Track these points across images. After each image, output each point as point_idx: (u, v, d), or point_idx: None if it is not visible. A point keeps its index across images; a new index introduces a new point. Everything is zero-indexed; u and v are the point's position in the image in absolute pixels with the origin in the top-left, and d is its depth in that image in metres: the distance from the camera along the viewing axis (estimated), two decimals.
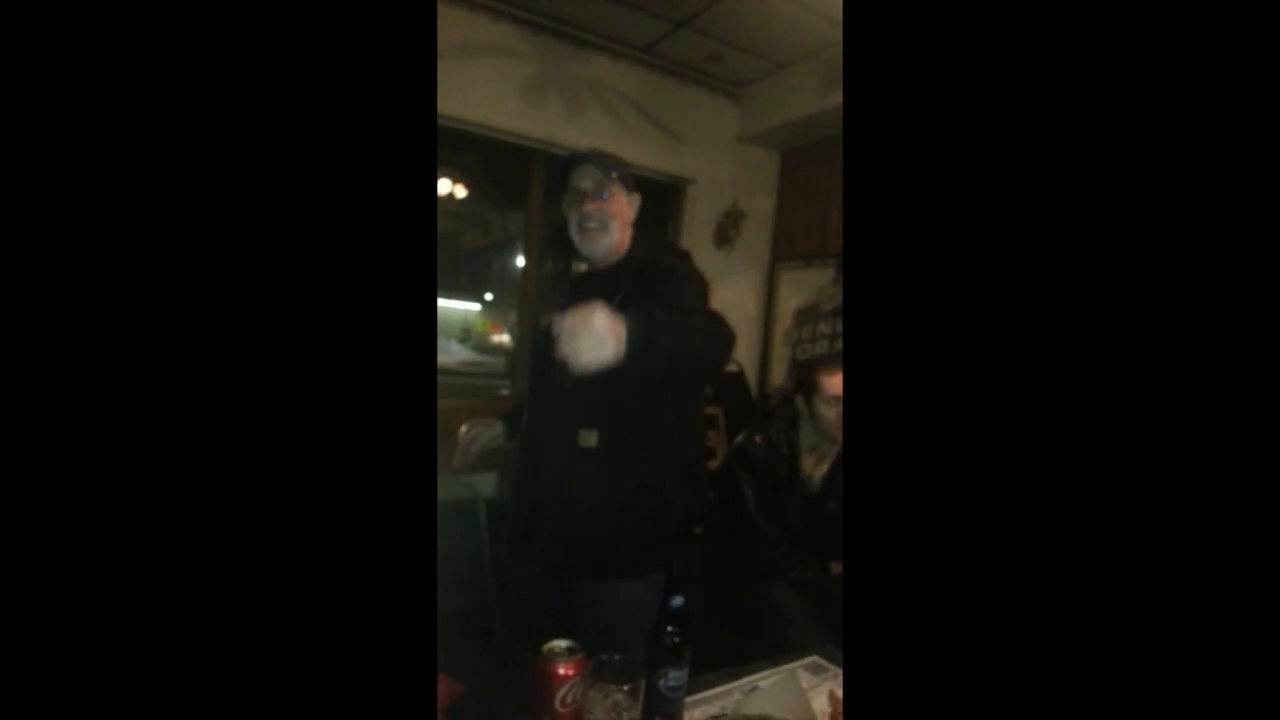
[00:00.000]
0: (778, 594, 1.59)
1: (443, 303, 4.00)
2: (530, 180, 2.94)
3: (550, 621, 1.29)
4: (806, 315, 3.21)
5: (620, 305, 1.18)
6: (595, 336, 0.85)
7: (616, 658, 0.75)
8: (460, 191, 3.03)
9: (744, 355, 3.25)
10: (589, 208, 1.23)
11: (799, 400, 1.73)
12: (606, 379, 1.17)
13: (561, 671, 0.71)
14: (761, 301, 3.44)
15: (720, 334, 1.08)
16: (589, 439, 1.16)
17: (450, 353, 3.93)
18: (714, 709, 0.88)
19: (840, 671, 1.00)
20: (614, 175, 1.25)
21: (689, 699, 0.83)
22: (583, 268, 1.36)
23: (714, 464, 2.07)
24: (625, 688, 0.73)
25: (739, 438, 1.79)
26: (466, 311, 4.18)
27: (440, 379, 3.43)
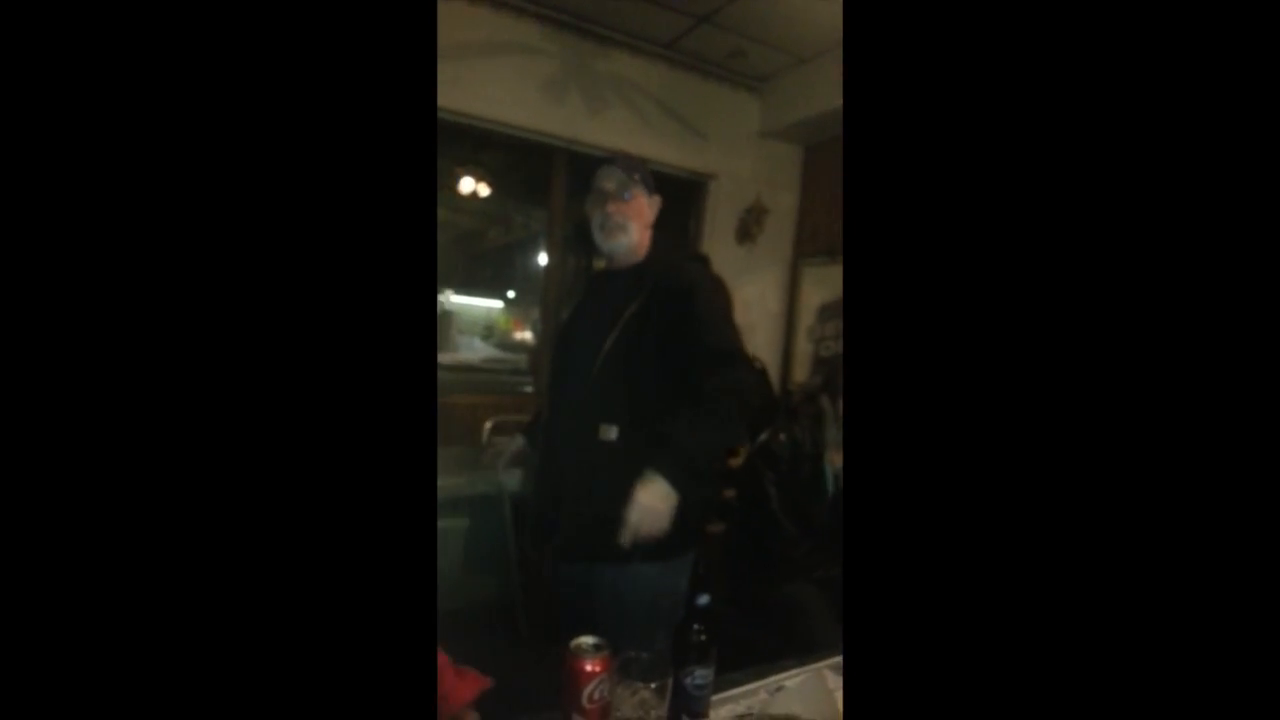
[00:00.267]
0: (802, 593, 1.58)
1: (466, 300, 4.04)
2: (553, 177, 2.94)
3: (568, 606, 1.32)
4: (829, 312, 3.17)
5: (639, 312, 1.21)
6: (658, 520, 1.10)
7: (644, 655, 0.76)
8: (483, 189, 3.04)
9: (766, 353, 3.23)
10: (611, 208, 1.26)
11: (823, 398, 1.72)
12: (626, 379, 1.20)
13: (589, 668, 0.72)
14: (784, 298, 3.41)
15: (747, 399, 1.22)
16: (609, 433, 1.20)
17: (474, 349, 3.97)
18: (740, 708, 0.87)
19: None
20: (636, 177, 1.29)
21: (714, 697, 0.83)
22: (602, 264, 1.38)
23: (737, 462, 2.06)
24: (652, 685, 0.73)
25: (762, 436, 1.79)
26: (489, 308, 4.21)
27: (463, 376, 3.46)
